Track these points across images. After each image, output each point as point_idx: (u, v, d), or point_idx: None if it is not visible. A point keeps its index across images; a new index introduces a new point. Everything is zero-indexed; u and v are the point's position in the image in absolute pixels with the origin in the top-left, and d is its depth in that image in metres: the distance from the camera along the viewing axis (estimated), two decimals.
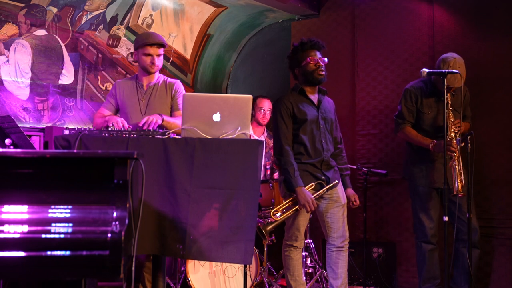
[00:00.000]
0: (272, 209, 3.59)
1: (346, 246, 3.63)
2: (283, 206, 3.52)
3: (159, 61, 3.66)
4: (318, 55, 3.62)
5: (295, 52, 3.66)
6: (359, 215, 4.97)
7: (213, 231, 2.82)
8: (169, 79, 3.78)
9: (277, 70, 5.91)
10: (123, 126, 3.23)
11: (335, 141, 3.77)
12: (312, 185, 3.55)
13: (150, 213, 2.82)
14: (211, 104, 2.94)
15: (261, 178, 3.33)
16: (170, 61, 5.60)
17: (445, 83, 3.57)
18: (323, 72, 3.61)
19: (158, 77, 3.76)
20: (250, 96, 3.00)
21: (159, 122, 3.32)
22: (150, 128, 3.18)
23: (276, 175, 4.43)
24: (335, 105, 3.86)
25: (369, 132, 5.07)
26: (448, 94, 3.72)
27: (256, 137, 3.10)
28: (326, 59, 3.62)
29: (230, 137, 2.92)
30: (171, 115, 3.65)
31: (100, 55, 5.08)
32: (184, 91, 3.74)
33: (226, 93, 6.22)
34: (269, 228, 3.46)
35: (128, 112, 3.66)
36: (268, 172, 4.45)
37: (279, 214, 3.48)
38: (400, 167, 4.69)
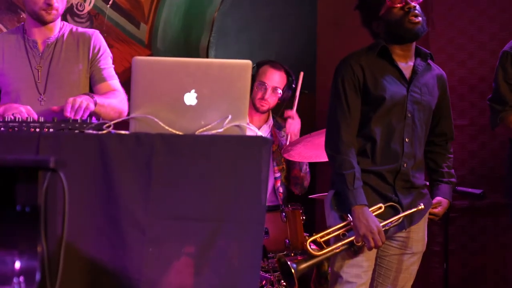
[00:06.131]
0: (309, 237, 2.69)
1: None
2: (328, 234, 2.66)
3: (60, 2, 2.92)
4: None
5: None
6: (435, 267, 3.82)
7: None
8: (80, 29, 3.09)
9: (292, 16, 4.70)
10: (29, 116, 2.55)
11: (439, 137, 2.87)
12: (380, 207, 2.60)
13: (78, 263, 2.20)
14: (182, 76, 2.26)
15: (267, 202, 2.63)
16: (110, 3, 4.54)
17: None
18: (419, 18, 2.66)
19: (61, 27, 3.03)
20: (249, 62, 2.27)
21: (92, 107, 2.64)
22: (78, 117, 2.51)
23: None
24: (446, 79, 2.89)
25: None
26: None
27: (257, 131, 2.59)
28: None
29: (214, 131, 2.28)
30: (92, 91, 2.94)
31: None
32: (107, 48, 3.06)
33: (207, 56, 5.00)
34: (302, 267, 2.60)
35: (16, 90, 2.94)
36: (278, 185, 3.41)
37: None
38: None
